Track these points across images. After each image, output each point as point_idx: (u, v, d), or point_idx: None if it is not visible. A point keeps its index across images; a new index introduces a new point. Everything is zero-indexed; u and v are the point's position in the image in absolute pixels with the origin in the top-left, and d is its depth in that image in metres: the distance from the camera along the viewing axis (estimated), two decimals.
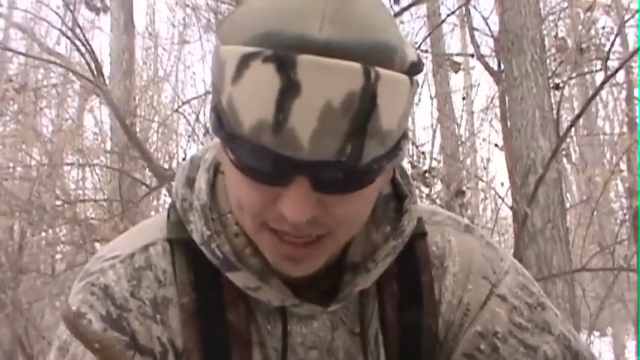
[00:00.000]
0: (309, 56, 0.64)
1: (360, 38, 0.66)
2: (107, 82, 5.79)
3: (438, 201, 4.47)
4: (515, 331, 0.88)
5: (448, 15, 5.60)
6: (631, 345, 8.91)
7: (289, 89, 0.65)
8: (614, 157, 8.13)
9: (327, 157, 0.67)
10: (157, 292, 0.83)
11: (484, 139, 6.91)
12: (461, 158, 6.58)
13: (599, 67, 5.23)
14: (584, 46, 4.80)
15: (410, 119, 0.99)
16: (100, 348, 0.80)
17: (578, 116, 4.18)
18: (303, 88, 0.64)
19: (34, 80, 7.48)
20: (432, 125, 5.94)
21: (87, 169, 6.75)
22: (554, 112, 4.51)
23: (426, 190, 4.47)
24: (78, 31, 4.95)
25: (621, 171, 5.33)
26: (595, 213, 5.48)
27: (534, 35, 4.63)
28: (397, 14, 4.33)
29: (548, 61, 4.85)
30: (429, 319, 0.88)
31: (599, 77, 5.50)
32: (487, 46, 6.12)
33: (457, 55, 7.11)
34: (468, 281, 0.90)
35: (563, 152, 6.17)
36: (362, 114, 0.66)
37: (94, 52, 4.82)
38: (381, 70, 0.66)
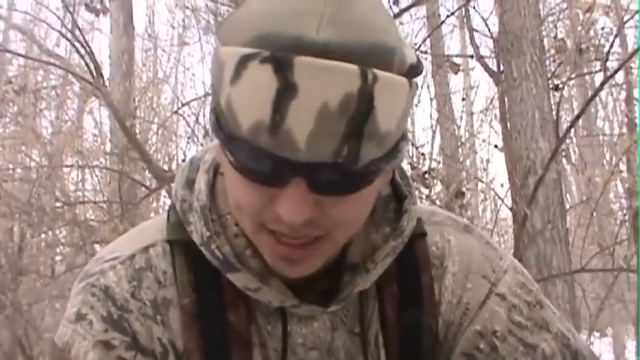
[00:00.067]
0: (306, 58, 0.65)
1: (358, 40, 0.66)
2: (107, 83, 5.79)
3: (437, 202, 4.47)
4: (514, 329, 0.88)
5: (448, 16, 5.60)
6: (631, 345, 8.91)
7: (286, 90, 0.65)
8: (613, 158, 8.13)
9: (323, 158, 0.67)
10: (157, 293, 0.83)
11: (484, 140, 6.91)
12: (460, 159, 6.57)
13: (598, 67, 5.23)
14: (583, 46, 4.80)
15: (409, 120, 0.99)
16: None
17: (578, 117, 4.18)
18: (300, 89, 0.65)
19: (33, 82, 7.48)
20: (432, 126, 5.94)
21: (86, 170, 6.76)
22: (554, 113, 4.51)
23: (425, 191, 4.47)
24: (77, 32, 4.95)
25: (621, 172, 5.33)
26: (595, 214, 5.48)
27: (534, 36, 4.64)
28: (396, 15, 4.33)
29: (547, 62, 4.85)
30: (429, 319, 0.88)
31: (599, 78, 5.50)
32: (487, 47, 6.14)
33: (457, 56, 7.11)
34: (468, 281, 0.90)
35: (563, 153, 6.18)
36: (359, 116, 0.66)
37: (93, 54, 4.83)
38: (378, 72, 0.66)
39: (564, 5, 6.27)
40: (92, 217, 6.00)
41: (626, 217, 5.50)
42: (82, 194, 7.05)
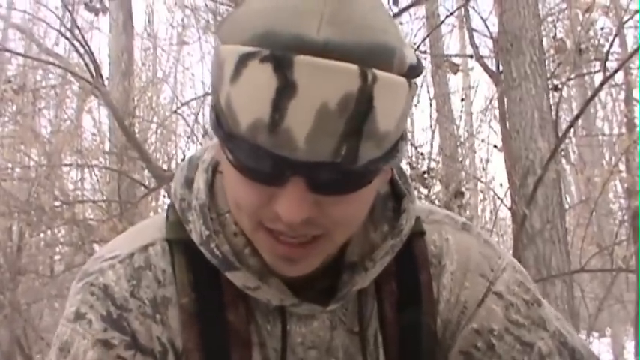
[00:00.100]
0: (306, 57, 0.65)
1: (358, 40, 0.66)
2: (106, 83, 5.79)
3: (436, 202, 4.48)
4: (511, 327, 0.88)
5: (447, 16, 5.60)
6: (630, 345, 8.91)
7: (285, 89, 0.65)
8: (612, 158, 8.14)
9: (322, 158, 0.67)
10: (156, 292, 0.83)
11: (483, 140, 6.91)
12: (460, 159, 6.58)
13: (597, 67, 5.24)
14: (582, 47, 4.81)
15: (408, 120, 0.99)
16: None
17: (577, 117, 4.19)
18: (300, 88, 0.65)
19: (32, 81, 7.47)
20: (431, 126, 5.93)
21: (86, 170, 6.75)
22: (553, 113, 4.51)
23: (424, 191, 4.48)
24: (77, 31, 4.96)
25: (620, 172, 5.34)
26: (594, 214, 5.49)
27: (533, 36, 4.64)
28: (396, 15, 4.33)
29: (547, 62, 4.85)
30: (428, 317, 0.88)
31: (598, 78, 5.50)
32: (486, 47, 6.13)
33: (456, 56, 7.12)
34: (466, 279, 0.90)
35: (562, 153, 6.18)
36: (358, 115, 0.66)
37: (92, 53, 4.83)
38: (378, 72, 0.66)
39: (564, 5, 6.27)
40: (91, 217, 6.00)
41: (625, 218, 5.50)
42: (81, 193, 7.04)
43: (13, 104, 6.58)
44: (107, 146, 6.85)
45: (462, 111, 6.99)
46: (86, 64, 4.82)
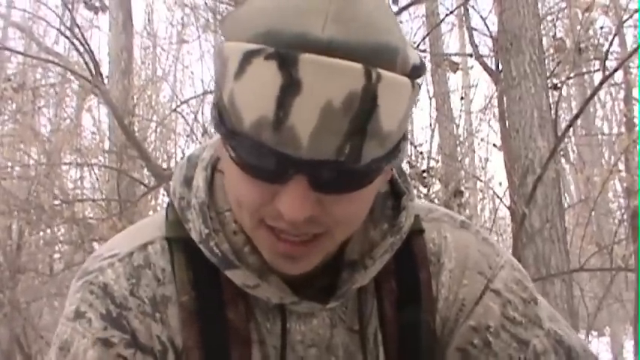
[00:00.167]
0: (311, 55, 0.65)
1: (362, 39, 0.67)
2: (105, 81, 5.79)
3: (436, 201, 4.48)
4: (508, 325, 0.88)
5: (447, 15, 5.61)
6: (629, 345, 8.92)
7: (290, 87, 0.65)
8: (612, 157, 8.14)
9: (326, 156, 0.67)
10: (156, 290, 0.83)
11: (482, 139, 6.92)
12: (459, 158, 6.58)
13: (597, 67, 5.25)
14: (582, 46, 4.81)
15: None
16: None
17: (577, 116, 4.19)
18: (304, 86, 0.65)
19: (32, 79, 7.47)
20: (431, 125, 5.94)
21: (85, 168, 6.75)
22: (553, 112, 4.52)
23: (424, 190, 4.48)
24: (76, 30, 4.95)
25: (619, 171, 5.34)
26: (593, 213, 5.49)
27: (533, 35, 4.64)
28: (396, 14, 4.32)
29: (546, 61, 4.86)
30: (427, 315, 0.88)
31: (598, 77, 5.50)
32: (485, 46, 6.14)
33: (455, 55, 7.13)
34: (464, 277, 0.90)
35: (562, 152, 6.18)
36: (362, 114, 0.66)
37: (92, 52, 4.82)
38: (382, 72, 0.66)
39: (563, 4, 6.27)
40: (91, 215, 6.00)
41: (625, 217, 5.50)
42: (80, 192, 7.04)
43: (12, 103, 6.58)
44: (107, 145, 6.86)
45: (461, 110, 7.01)
46: (86, 63, 4.81)
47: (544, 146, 4.34)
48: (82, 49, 4.82)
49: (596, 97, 8.14)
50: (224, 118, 0.71)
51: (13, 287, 5.20)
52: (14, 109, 6.65)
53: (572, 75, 5.26)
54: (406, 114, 0.71)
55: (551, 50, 5.07)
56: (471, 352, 0.88)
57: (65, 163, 6.41)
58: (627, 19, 5.12)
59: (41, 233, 5.87)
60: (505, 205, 4.48)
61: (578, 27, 4.86)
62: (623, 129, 6.61)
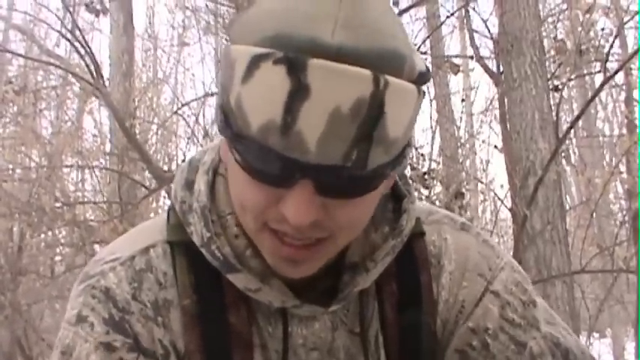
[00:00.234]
0: (320, 60, 0.65)
1: (371, 45, 0.67)
2: (106, 84, 5.79)
3: (437, 203, 4.47)
4: (506, 327, 0.88)
5: (447, 17, 5.60)
6: (630, 347, 8.90)
7: (299, 92, 0.65)
8: (613, 159, 8.13)
9: (333, 161, 0.67)
10: (157, 294, 0.83)
11: (483, 141, 6.91)
12: (460, 160, 6.57)
13: (598, 68, 5.24)
14: (583, 47, 4.80)
15: None
16: None
17: (578, 118, 4.18)
18: (313, 91, 0.65)
19: (33, 82, 7.47)
20: (432, 127, 5.93)
21: (86, 171, 6.75)
22: (554, 113, 4.52)
23: (425, 192, 4.47)
24: (77, 33, 4.95)
25: (621, 173, 5.34)
26: (594, 215, 5.48)
27: (534, 37, 4.64)
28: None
29: (547, 62, 4.86)
30: (428, 318, 0.89)
31: (599, 79, 5.51)
32: (486, 48, 6.14)
33: (456, 56, 7.12)
34: (464, 279, 0.90)
35: (563, 154, 6.18)
36: (370, 121, 0.66)
37: (93, 54, 4.82)
38: (390, 78, 0.67)
39: (564, 6, 6.27)
40: (92, 218, 6.00)
41: (626, 219, 5.50)
42: (81, 194, 7.04)
43: (14, 105, 6.58)
44: (108, 147, 6.85)
45: (462, 112, 6.99)
46: (87, 65, 4.81)
47: (545, 148, 4.34)
48: (83, 51, 4.82)
49: (597, 99, 8.14)
50: (230, 121, 0.71)
51: (14, 289, 5.19)
52: (15, 111, 6.64)
53: (573, 77, 5.25)
54: (412, 120, 0.72)
55: (552, 52, 5.07)
56: (469, 353, 0.88)
57: (66, 166, 6.41)
58: (628, 21, 5.12)
59: (42, 235, 5.86)
60: (506, 207, 4.48)
61: (579, 29, 4.85)
62: (624, 130, 6.60)
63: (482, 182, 6.82)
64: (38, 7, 7.79)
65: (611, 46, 4.67)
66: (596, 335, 7.70)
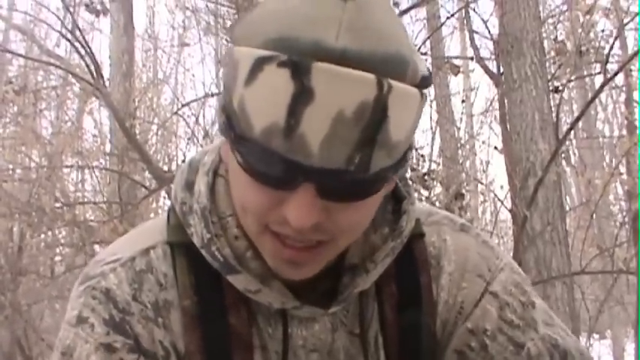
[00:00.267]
0: (324, 64, 0.65)
1: (375, 49, 0.67)
2: (107, 84, 5.79)
3: (437, 204, 4.47)
4: (505, 328, 0.88)
5: (448, 18, 5.59)
6: (630, 348, 8.89)
7: (302, 95, 0.65)
8: (613, 160, 8.13)
9: (335, 165, 0.67)
10: (158, 295, 0.83)
11: (483, 142, 6.91)
12: (460, 161, 6.57)
13: (598, 70, 5.24)
14: (583, 49, 4.81)
15: None
16: None
17: (578, 119, 4.18)
18: (317, 95, 0.65)
19: (33, 82, 7.47)
20: (432, 128, 5.94)
21: (86, 171, 6.74)
22: (554, 114, 4.52)
23: (425, 193, 4.47)
24: (77, 33, 4.95)
25: (621, 174, 5.34)
26: (594, 216, 5.47)
27: (534, 38, 4.64)
28: None
29: (547, 64, 4.86)
30: (428, 319, 0.89)
31: (599, 80, 5.49)
32: (487, 48, 6.13)
33: (457, 57, 7.12)
34: (463, 280, 0.90)
35: (563, 155, 6.18)
36: (373, 124, 0.66)
37: (93, 55, 4.82)
38: (393, 83, 0.67)
39: (564, 7, 6.27)
40: (92, 218, 5.99)
41: (626, 220, 5.49)
42: (81, 195, 7.04)
43: (14, 105, 6.58)
44: (108, 147, 6.85)
45: (462, 113, 6.99)
46: (87, 66, 4.81)
47: (545, 149, 4.34)
48: (83, 51, 4.82)
49: (597, 100, 8.14)
50: (232, 122, 0.71)
51: (14, 289, 5.19)
52: (15, 111, 6.64)
53: (573, 78, 5.25)
54: (414, 124, 0.72)
55: (552, 53, 5.07)
56: (467, 354, 0.88)
57: (66, 166, 6.40)
58: (628, 22, 5.11)
59: (42, 236, 5.86)
60: (506, 208, 4.48)
61: (579, 30, 4.85)
62: (624, 132, 6.61)
63: (482, 183, 6.82)
64: (38, 7, 7.78)
65: (612, 48, 4.66)
66: (596, 336, 7.70)
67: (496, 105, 5.68)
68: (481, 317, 0.88)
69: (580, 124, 6.84)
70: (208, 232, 0.81)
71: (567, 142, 6.41)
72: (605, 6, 5.11)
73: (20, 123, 6.50)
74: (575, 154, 8.37)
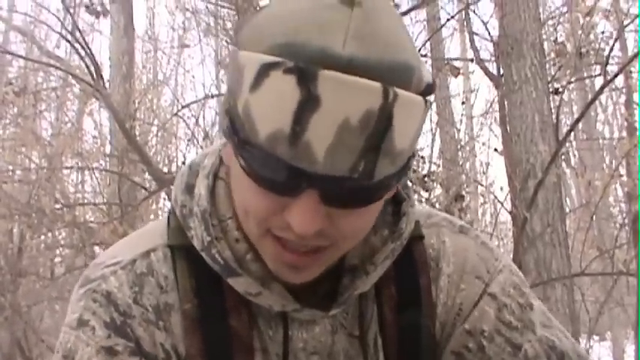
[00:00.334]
0: (330, 72, 0.65)
1: (381, 57, 0.67)
2: (107, 85, 5.79)
3: (437, 205, 4.47)
4: (502, 329, 0.88)
5: (448, 19, 5.60)
6: (630, 349, 8.89)
7: (308, 102, 0.65)
8: (613, 162, 8.12)
9: (340, 172, 0.67)
10: (159, 298, 0.83)
11: (483, 144, 6.91)
12: (460, 162, 6.57)
13: (598, 71, 5.25)
14: (583, 50, 4.80)
15: None
16: None
17: (578, 120, 4.18)
18: (323, 102, 0.65)
19: (33, 83, 7.46)
20: (432, 129, 5.94)
21: (86, 172, 6.74)
22: (554, 116, 4.51)
23: (425, 195, 4.47)
24: (78, 34, 4.95)
25: (620, 175, 5.34)
26: (594, 217, 5.47)
27: (534, 40, 4.64)
28: None
29: (547, 65, 4.86)
30: (427, 321, 0.89)
31: (599, 82, 5.49)
32: (487, 50, 6.14)
33: (457, 59, 7.12)
34: (462, 281, 0.90)
35: (563, 157, 6.18)
36: (378, 133, 0.67)
37: (93, 56, 4.82)
38: (399, 91, 0.67)
39: (564, 9, 6.27)
40: (92, 219, 5.99)
41: (626, 221, 5.49)
42: (81, 196, 7.04)
43: (14, 107, 6.57)
44: (108, 149, 6.85)
45: (462, 114, 6.99)
46: (87, 67, 4.81)
47: (545, 150, 4.34)
48: (83, 53, 4.82)
49: (597, 102, 8.14)
50: (237, 127, 0.71)
51: (14, 291, 5.19)
52: (15, 112, 6.64)
53: (573, 79, 5.25)
54: (418, 132, 0.72)
55: (553, 55, 5.07)
56: (465, 355, 0.88)
57: (66, 167, 6.40)
58: (628, 24, 5.11)
59: (42, 237, 5.86)
60: (506, 210, 4.47)
61: (579, 31, 4.85)
62: (624, 133, 6.61)
63: (482, 185, 6.82)
64: (38, 8, 7.80)
65: (612, 49, 4.66)
66: (596, 338, 7.71)
67: (496, 107, 5.68)
68: (479, 318, 0.88)
69: (580, 125, 6.84)
70: (208, 235, 0.81)
71: (567, 144, 6.41)
72: (605, 8, 5.12)
73: (20, 124, 6.50)
74: (575, 155, 8.36)
